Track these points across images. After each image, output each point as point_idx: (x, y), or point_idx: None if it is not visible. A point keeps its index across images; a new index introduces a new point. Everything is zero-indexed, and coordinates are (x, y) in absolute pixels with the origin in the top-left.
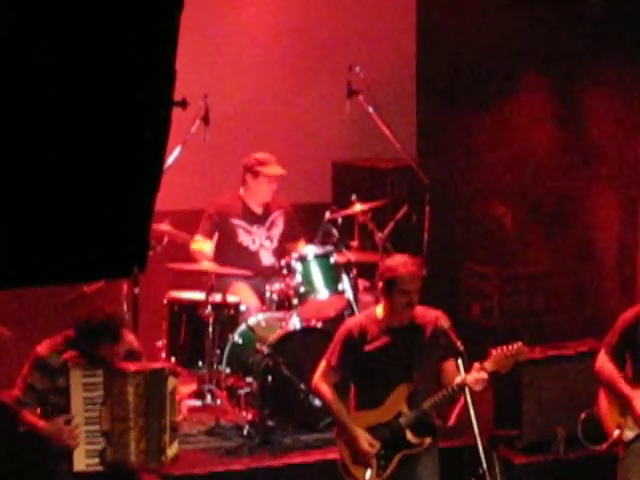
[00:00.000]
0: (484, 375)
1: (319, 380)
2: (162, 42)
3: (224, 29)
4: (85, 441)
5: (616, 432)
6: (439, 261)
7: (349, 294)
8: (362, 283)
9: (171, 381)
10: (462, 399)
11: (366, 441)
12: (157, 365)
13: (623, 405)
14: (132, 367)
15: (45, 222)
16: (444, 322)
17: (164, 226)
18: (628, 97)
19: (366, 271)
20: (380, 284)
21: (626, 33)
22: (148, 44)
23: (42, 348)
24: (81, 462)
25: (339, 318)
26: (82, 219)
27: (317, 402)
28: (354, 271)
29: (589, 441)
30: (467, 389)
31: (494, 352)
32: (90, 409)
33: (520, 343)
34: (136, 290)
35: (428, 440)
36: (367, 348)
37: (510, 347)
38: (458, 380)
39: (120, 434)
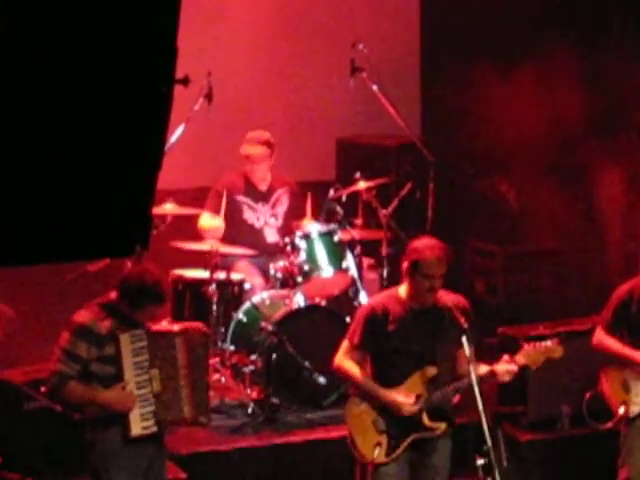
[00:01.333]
0: (514, 368)
1: (342, 358)
2: (162, 18)
3: (227, 6)
4: (138, 405)
5: (621, 409)
6: (443, 238)
7: (353, 271)
8: (366, 261)
9: (208, 343)
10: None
11: (403, 397)
12: (193, 325)
13: (626, 381)
14: (175, 328)
15: (48, 201)
16: (457, 300)
17: (167, 205)
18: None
19: (370, 248)
20: (405, 264)
21: None
22: (148, 20)
23: (83, 317)
24: (137, 426)
25: (343, 296)
26: (84, 197)
27: (321, 380)
28: (358, 248)
29: (595, 419)
30: (472, 367)
31: (526, 346)
32: (139, 373)
33: (555, 340)
34: None
35: (443, 425)
36: (390, 328)
37: (544, 344)
38: (486, 370)
39: (172, 393)
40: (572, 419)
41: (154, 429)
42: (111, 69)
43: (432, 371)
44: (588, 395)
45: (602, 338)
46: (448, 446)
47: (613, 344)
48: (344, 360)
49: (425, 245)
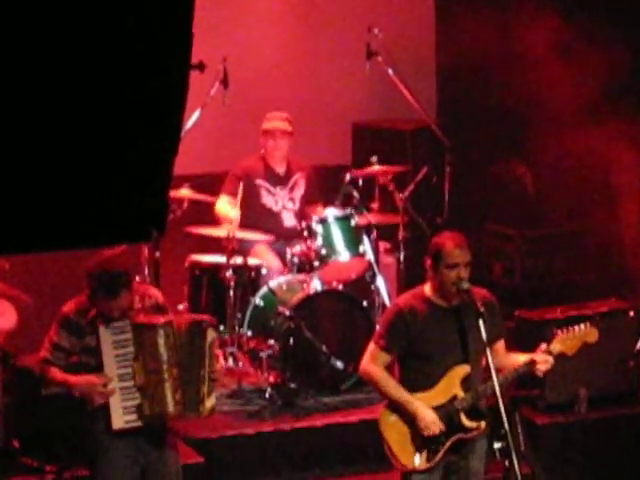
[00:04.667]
0: (550, 359)
1: (368, 363)
2: (178, 2)
3: None
4: (121, 398)
5: None
6: (460, 222)
7: (370, 256)
8: (383, 245)
9: (210, 333)
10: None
11: (432, 417)
12: (196, 317)
13: None
14: (160, 320)
15: (64, 186)
16: (483, 292)
17: (184, 190)
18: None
19: (387, 233)
20: (428, 261)
21: None
22: (164, 5)
23: (68, 307)
24: (119, 420)
25: (360, 280)
26: (100, 183)
27: (339, 364)
28: (375, 233)
29: (624, 400)
30: (488, 353)
31: (560, 333)
32: (122, 366)
33: (588, 324)
34: (157, 254)
35: (483, 424)
36: (418, 328)
37: (578, 328)
38: (522, 362)
39: (155, 387)
40: (589, 402)
41: (138, 423)
42: (127, 55)
43: (465, 370)
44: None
45: None
46: (484, 447)
47: None
48: (371, 365)
49: (445, 237)
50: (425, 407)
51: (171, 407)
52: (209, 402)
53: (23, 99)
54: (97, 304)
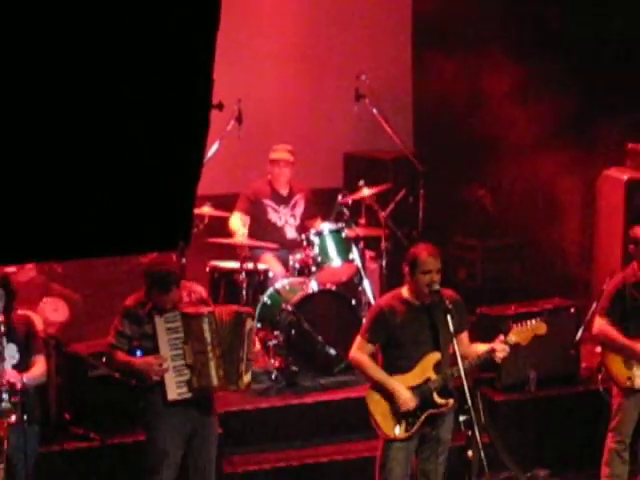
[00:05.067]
0: (507, 348)
1: (356, 352)
2: (201, 56)
3: (253, 46)
4: (174, 375)
5: (628, 383)
6: (431, 235)
7: (358, 262)
8: (368, 253)
9: (249, 322)
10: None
11: (407, 395)
12: (239, 308)
13: (627, 361)
14: (205, 310)
15: (107, 204)
16: (450, 293)
17: (205, 208)
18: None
19: (372, 244)
20: (406, 268)
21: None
22: (190, 59)
23: (129, 301)
24: (173, 392)
25: (350, 282)
26: (138, 202)
27: (332, 351)
28: (362, 243)
29: (566, 381)
30: (455, 343)
31: (515, 327)
32: (174, 348)
33: (539, 319)
34: (183, 260)
35: (451, 401)
36: (396, 323)
37: (530, 323)
38: (483, 350)
39: (202, 365)
40: (538, 383)
41: (188, 395)
42: (160, 98)
43: (436, 356)
44: (599, 377)
45: (602, 326)
46: (452, 420)
47: (614, 333)
48: (358, 353)
49: (420, 247)
50: (402, 387)
51: (215, 381)
52: (246, 378)
53: (72, 127)
54: (152, 298)
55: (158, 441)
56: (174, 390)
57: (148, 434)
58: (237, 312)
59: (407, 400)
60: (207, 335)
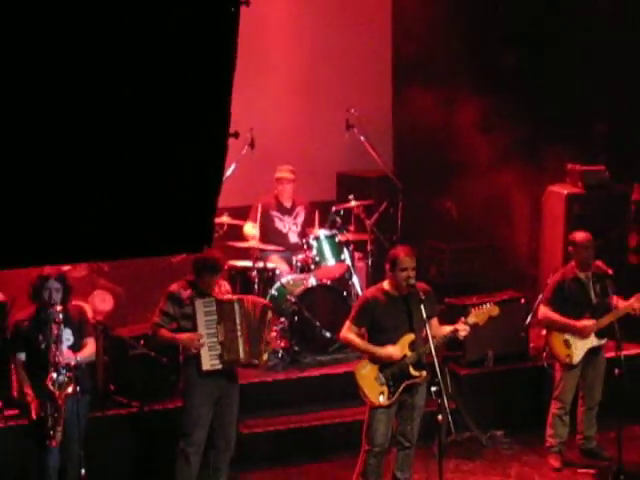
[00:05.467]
0: (467, 327)
1: (345, 332)
2: (222, 97)
3: (262, 85)
4: (208, 350)
5: (567, 359)
6: (408, 239)
7: (348, 262)
8: (357, 254)
9: (269, 313)
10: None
11: (390, 350)
12: (262, 301)
13: (567, 341)
14: (235, 298)
15: (150, 217)
16: (423, 286)
17: (224, 217)
18: (531, 123)
19: (360, 246)
20: (387, 266)
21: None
22: (214, 99)
23: (173, 287)
24: (207, 363)
25: (342, 278)
26: (171, 214)
27: (328, 334)
28: (351, 246)
29: (518, 359)
30: (427, 326)
31: (473, 310)
32: (209, 327)
33: (492, 303)
34: None
35: (424, 373)
36: (379, 310)
37: (485, 306)
38: (448, 331)
39: (231, 342)
40: (495, 360)
41: (219, 366)
42: (194, 133)
43: (412, 337)
44: (544, 355)
45: (547, 312)
46: (425, 390)
47: (556, 316)
48: (348, 334)
49: (399, 249)
50: (387, 347)
51: (242, 355)
52: (265, 356)
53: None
54: (200, 280)
55: (193, 407)
56: (208, 362)
57: (185, 402)
58: (263, 304)
59: (391, 353)
60: (237, 318)
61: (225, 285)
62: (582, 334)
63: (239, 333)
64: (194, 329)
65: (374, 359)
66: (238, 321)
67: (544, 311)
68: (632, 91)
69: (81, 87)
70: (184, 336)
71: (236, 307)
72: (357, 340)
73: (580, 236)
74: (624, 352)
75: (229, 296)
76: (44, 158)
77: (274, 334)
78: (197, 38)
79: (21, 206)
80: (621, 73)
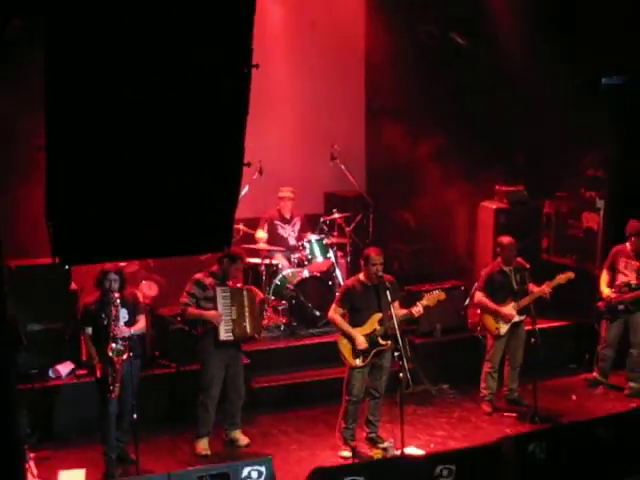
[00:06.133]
0: (421, 309)
1: (332, 313)
2: (238, 135)
3: (267, 125)
4: (224, 324)
5: (496, 331)
6: (377, 242)
7: (333, 259)
8: (339, 253)
9: (264, 304)
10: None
11: (361, 339)
12: (261, 294)
13: (495, 317)
14: (245, 287)
15: (184, 225)
16: (389, 277)
17: (240, 225)
18: (470, 154)
19: (341, 248)
20: (362, 262)
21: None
22: (231, 138)
23: (198, 275)
24: (223, 335)
25: (328, 271)
26: (199, 222)
27: (317, 313)
28: (335, 248)
29: (459, 331)
30: (391, 307)
31: (426, 295)
32: (225, 308)
33: (440, 290)
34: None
35: (389, 342)
36: (357, 295)
37: (434, 293)
38: (406, 312)
39: (241, 320)
40: (442, 331)
41: (231, 338)
42: (218, 163)
43: (379, 316)
44: (479, 328)
45: (480, 297)
46: (390, 355)
47: (488, 302)
48: (333, 315)
49: (370, 249)
50: (359, 334)
51: (249, 330)
52: (263, 333)
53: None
54: (224, 268)
55: (210, 369)
56: (224, 334)
57: (203, 365)
58: (261, 297)
59: (361, 342)
60: (245, 302)
61: (237, 278)
62: (505, 319)
63: (247, 314)
64: (215, 309)
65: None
66: (246, 304)
67: (478, 296)
68: (543, 128)
69: (157, 144)
70: (211, 313)
71: (245, 294)
72: (339, 320)
73: (506, 240)
74: (538, 325)
75: (240, 285)
76: (134, 188)
77: (266, 321)
78: (222, 98)
79: (116, 220)
80: (535, 114)
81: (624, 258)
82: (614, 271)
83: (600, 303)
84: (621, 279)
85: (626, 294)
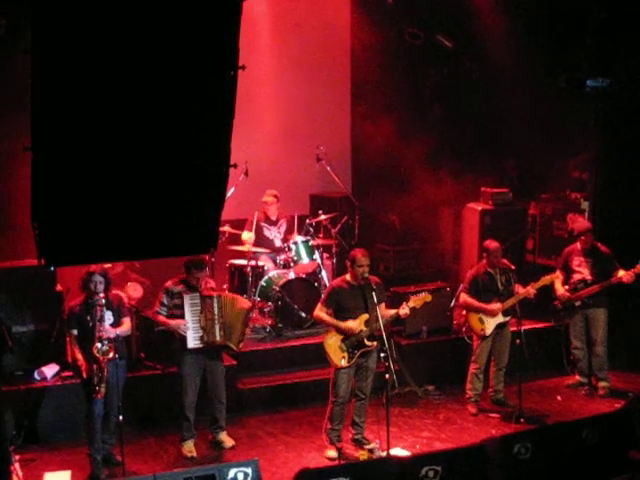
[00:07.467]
0: (407, 310)
1: (318, 312)
2: (225, 139)
3: (254, 127)
4: (192, 332)
5: (482, 332)
6: (363, 243)
7: (318, 260)
8: (325, 255)
9: (250, 313)
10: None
11: (352, 324)
12: (245, 302)
13: (481, 319)
14: (214, 294)
15: (170, 227)
16: (375, 278)
17: (226, 227)
18: (454, 159)
19: (327, 249)
20: (348, 263)
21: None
22: (218, 142)
23: (168, 283)
24: (191, 342)
25: (314, 272)
26: (186, 224)
27: (303, 314)
28: (321, 249)
29: (442, 333)
30: (377, 308)
31: (412, 297)
32: (194, 315)
33: (427, 292)
34: (212, 259)
35: (375, 343)
36: (342, 295)
37: (421, 295)
38: (393, 312)
39: (210, 327)
40: (428, 333)
41: (200, 345)
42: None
43: (365, 316)
44: (464, 329)
45: (466, 298)
46: (376, 355)
47: (473, 301)
48: (319, 313)
49: (356, 250)
50: (349, 322)
51: (218, 338)
52: (241, 344)
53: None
54: (190, 276)
55: (183, 375)
56: (192, 341)
57: (179, 369)
58: (247, 306)
59: (351, 326)
60: (215, 309)
61: (210, 282)
62: (491, 314)
63: (216, 321)
64: (182, 317)
65: (339, 331)
66: (216, 311)
67: (464, 297)
68: (528, 129)
69: (147, 147)
70: (174, 322)
71: (215, 301)
72: (326, 317)
73: (492, 245)
74: (523, 327)
75: (211, 292)
76: (120, 190)
77: (249, 332)
78: (208, 99)
79: (103, 221)
80: (521, 116)
81: (577, 257)
82: (568, 271)
83: (556, 302)
84: (576, 277)
85: (582, 290)
